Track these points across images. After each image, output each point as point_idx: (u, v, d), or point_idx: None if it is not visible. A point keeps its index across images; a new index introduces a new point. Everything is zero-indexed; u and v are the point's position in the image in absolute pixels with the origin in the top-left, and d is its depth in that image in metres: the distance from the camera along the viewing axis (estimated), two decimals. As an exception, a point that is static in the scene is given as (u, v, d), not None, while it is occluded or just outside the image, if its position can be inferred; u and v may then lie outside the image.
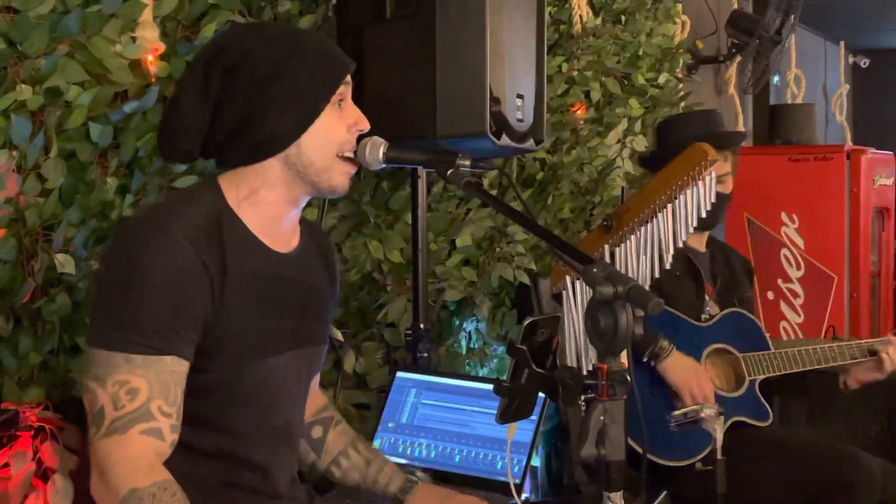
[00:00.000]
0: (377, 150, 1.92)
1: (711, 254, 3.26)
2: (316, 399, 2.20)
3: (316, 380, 2.21)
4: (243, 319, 1.81)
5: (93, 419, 1.69)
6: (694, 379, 2.88)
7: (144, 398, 1.68)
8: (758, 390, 3.03)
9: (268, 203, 1.86)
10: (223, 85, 1.81)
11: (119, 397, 1.68)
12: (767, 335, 3.11)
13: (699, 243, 3.22)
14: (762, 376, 3.03)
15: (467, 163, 1.87)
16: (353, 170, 1.91)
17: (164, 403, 1.70)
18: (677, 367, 2.90)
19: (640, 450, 2.61)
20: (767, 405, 3.03)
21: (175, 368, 1.72)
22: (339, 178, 1.89)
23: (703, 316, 3.10)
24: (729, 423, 2.92)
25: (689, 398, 2.87)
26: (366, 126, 1.90)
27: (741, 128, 6.46)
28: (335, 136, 1.86)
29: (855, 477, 2.80)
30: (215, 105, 1.82)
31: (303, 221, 2.01)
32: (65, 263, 2.30)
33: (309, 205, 1.97)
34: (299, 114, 1.82)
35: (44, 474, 2.22)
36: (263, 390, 1.88)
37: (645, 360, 2.91)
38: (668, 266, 2.71)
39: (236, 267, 1.79)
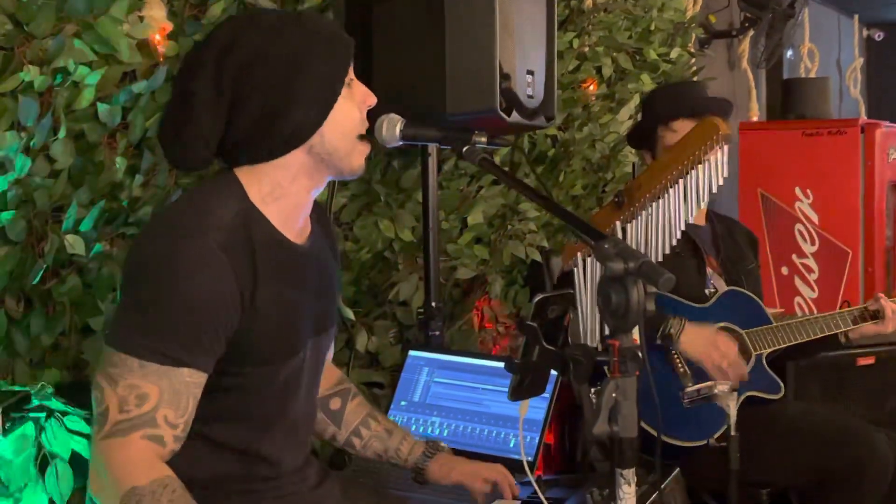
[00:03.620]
0: (394, 128, 1.91)
1: (713, 227, 3.23)
2: (331, 372, 2.21)
3: (330, 354, 2.20)
4: (274, 322, 1.79)
5: (96, 418, 1.67)
6: (714, 350, 2.87)
7: (152, 405, 1.66)
8: (765, 364, 3.02)
9: (291, 195, 1.83)
10: (238, 85, 1.76)
11: (127, 401, 1.65)
12: (766, 309, 3.08)
13: (698, 218, 3.18)
14: (768, 350, 3.02)
15: (483, 139, 1.86)
16: (368, 150, 1.89)
17: (173, 414, 1.68)
18: (694, 341, 2.88)
19: (653, 431, 2.60)
20: (778, 378, 3.02)
21: (190, 380, 1.70)
22: (359, 159, 1.88)
23: (707, 291, 3.08)
24: (742, 398, 2.90)
25: (714, 371, 2.86)
26: (373, 101, 1.89)
27: (754, 103, 6.43)
28: (352, 117, 1.84)
29: (866, 457, 2.78)
30: (230, 107, 1.77)
31: None
32: (75, 245, 2.30)
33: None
34: (321, 101, 1.79)
35: (44, 460, 2.22)
36: (289, 384, 1.88)
37: (658, 342, 2.89)
38: (675, 242, 2.70)
39: (266, 269, 1.77)
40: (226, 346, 1.74)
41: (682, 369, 2.92)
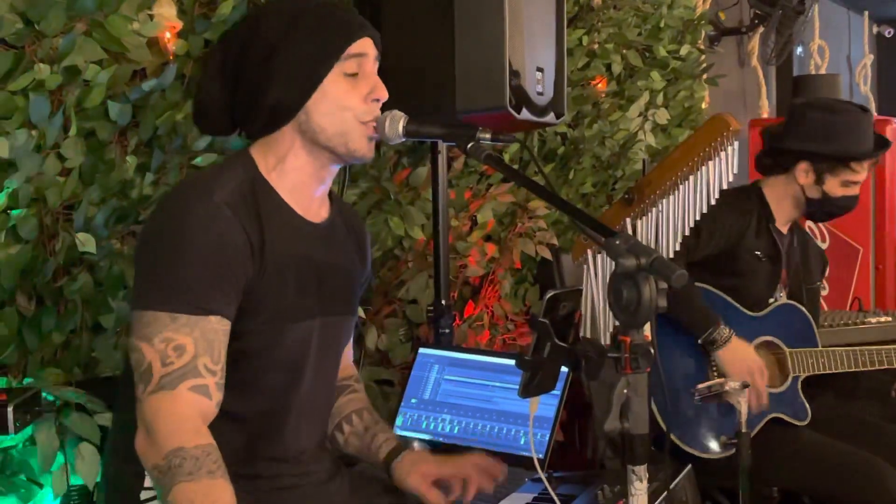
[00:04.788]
0: (397, 124, 1.90)
1: (791, 237, 3.18)
2: (345, 371, 2.22)
3: (350, 354, 2.22)
4: (280, 283, 1.85)
5: (140, 376, 1.71)
6: (748, 375, 2.83)
7: (192, 355, 1.71)
8: (800, 388, 2.98)
9: (295, 170, 1.90)
10: (238, 59, 1.86)
11: (167, 354, 1.70)
12: (817, 331, 3.05)
13: (783, 225, 3.14)
14: (806, 374, 2.98)
15: (487, 136, 1.85)
16: (374, 134, 1.90)
17: (210, 361, 1.73)
18: (733, 359, 2.85)
19: (665, 427, 2.60)
20: (807, 405, 2.98)
21: (219, 326, 1.75)
22: (359, 141, 1.89)
23: (771, 299, 3.06)
24: (767, 419, 2.89)
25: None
26: (383, 94, 1.90)
27: (764, 100, 6.41)
28: (347, 103, 1.87)
29: (875, 497, 2.77)
30: (234, 79, 1.87)
31: (333, 198, 2.04)
32: (86, 242, 2.30)
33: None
34: (301, 81, 1.84)
35: (70, 445, 2.24)
36: (295, 355, 1.91)
37: (700, 343, 2.86)
38: (682, 237, 2.68)
39: (272, 232, 1.83)
40: (241, 296, 1.79)
41: (715, 372, 2.90)
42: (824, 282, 5.22)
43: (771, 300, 3.06)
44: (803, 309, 3.06)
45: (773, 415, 2.91)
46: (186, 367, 1.70)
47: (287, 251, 1.86)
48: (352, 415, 2.16)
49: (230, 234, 1.76)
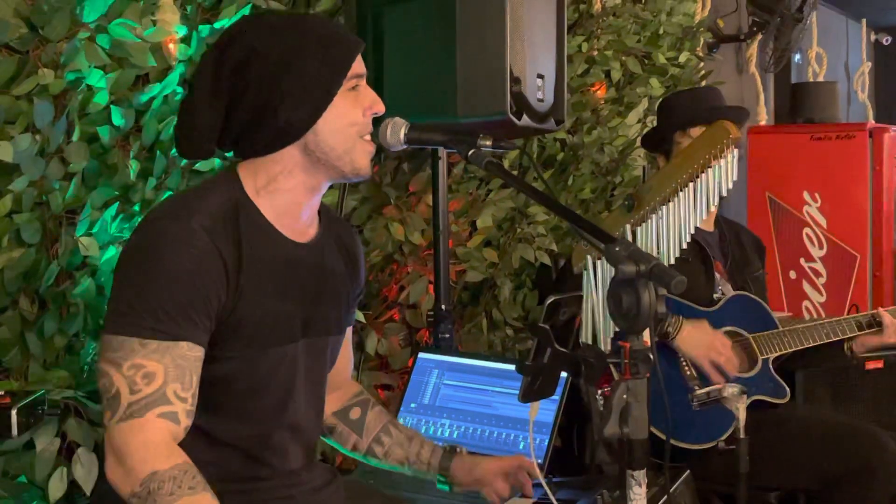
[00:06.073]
0: (398, 131, 1.92)
1: (720, 232, 3.25)
2: (351, 386, 2.25)
3: (349, 369, 2.24)
4: (259, 306, 1.82)
5: (108, 403, 1.70)
6: (712, 350, 2.87)
7: (160, 382, 1.69)
8: (772, 368, 3.02)
9: (286, 191, 1.87)
10: (234, 81, 1.81)
11: (135, 381, 1.68)
12: (773, 314, 3.11)
13: (706, 223, 3.20)
14: (774, 354, 3.03)
15: (488, 143, 1.86)
16: (373, 150, 1.91)
17: (180, 388, 1.71)
18: (691, 340, 2.89)
19: (662, 435, 2.61)
20: (784, 383, 3.03)
21: (190, 353, 1.73)
22: (362, 158, 1.88)
23: (715, 295, 3.09)
24: (748, 402, 2.92)
25: (711, 371, 2.86)
26: (381, 109, 1.90)
27: (762, 107, 6.43)
28: (353, 119, 1.86)
29: (876, 461, 2.79)
30: (228, 101, 1.83)
31: (323, 211, 2.01)
32: (88, 247, 2.31)
33: (330, 187, 1.97)
34: (313, 101, 1.82)
35: (69, 449, 2.24)
36: (279, 378, 1.89)
37: (656, 339, 2.90)
38: (686, 245, 2.71)
39: (252, 254, 1.81)
40: (215, 323, 1.77)
41: (689, 371, 2.93)
42: (822, 288, 5.28)
43: (716, 295, 3.10)
44: (755, 297, 3.12)
45: (754, 397, 2.94)
46: (155, 394, 1.69)
47: (268, 274, 1.83)
48: (388, 426, 2.22)
49: (204, 259, 1.74)
